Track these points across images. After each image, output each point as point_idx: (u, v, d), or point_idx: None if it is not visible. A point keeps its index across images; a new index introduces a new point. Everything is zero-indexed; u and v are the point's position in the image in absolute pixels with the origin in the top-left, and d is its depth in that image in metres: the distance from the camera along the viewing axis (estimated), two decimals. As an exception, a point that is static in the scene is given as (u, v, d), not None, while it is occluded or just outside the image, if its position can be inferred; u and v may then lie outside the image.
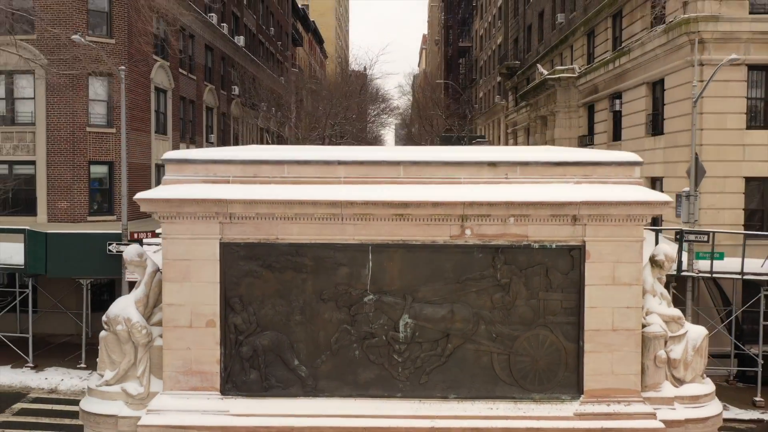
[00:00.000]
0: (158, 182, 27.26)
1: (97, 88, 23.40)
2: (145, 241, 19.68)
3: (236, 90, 40.15)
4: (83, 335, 20.39)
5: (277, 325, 11.26)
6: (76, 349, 21.53)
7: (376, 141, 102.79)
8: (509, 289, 10.97)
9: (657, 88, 25.25)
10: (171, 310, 11.04)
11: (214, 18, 34.28)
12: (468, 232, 10.78)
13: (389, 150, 13.47)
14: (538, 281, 10.93)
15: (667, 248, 11.70)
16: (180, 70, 29.75)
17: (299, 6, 74.46)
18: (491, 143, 67.23)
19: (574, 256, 10.84)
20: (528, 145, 45.64)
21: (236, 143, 41.35)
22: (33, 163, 23.31)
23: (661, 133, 24.35)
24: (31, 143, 23.18)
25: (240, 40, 40.46)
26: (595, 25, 32.23)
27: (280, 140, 53.42)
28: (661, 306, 11.54)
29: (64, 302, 22.26)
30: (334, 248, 11.02)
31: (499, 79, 60.14)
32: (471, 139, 70.02)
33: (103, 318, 11.76)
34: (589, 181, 10.93)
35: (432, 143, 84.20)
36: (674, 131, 23.04)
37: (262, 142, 48.37)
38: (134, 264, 11.82)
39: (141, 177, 25.28)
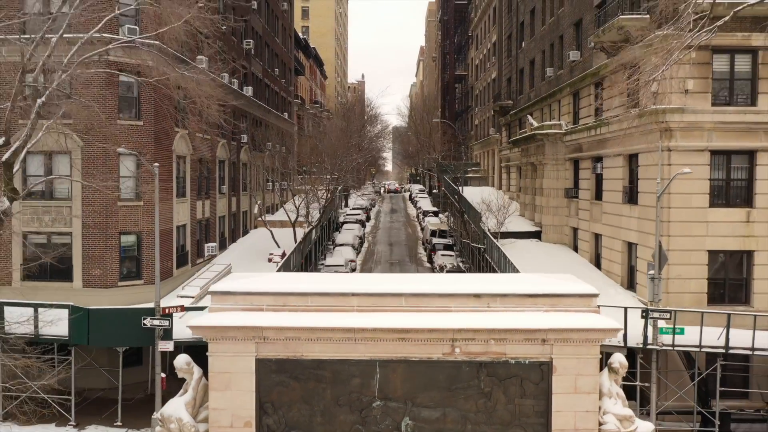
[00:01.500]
0: (179, 242, 29.81)
1: (128, 166, 25.98)
2: (176, 315, 22.21)
3: (245, 138, 42.70)
4: (119, 397, 22.89)
5: (302, 425, 13.80)
6: (110, 404, 23.98)
7: (375, 151, 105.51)
8: (491, 396, 13.53)
9: (633, 160, 27.82)
10: (215, 413, 13.56)
11: (225, 77, 36.83)
12: (457, 350, 13.34)
13: (393, 281, 16.02)
14: (514, 390, 13.49)
15: (622, 357, 14.29)
16: (197, 134, 32.29)
17: (301, 37, 77.07)
18: (486, 172, 69.74)
19: (544, 369, 13.38)
20: (520, 184, 48.13)
21: (244, 189, 43.89)
22: (69, 234, 25.84)
23: (636, 203, 26.94)
24: (67, 216, 25.71)
25: (248, 91, 42.99)
26: (579, 89, 34.81)
27: (284, 176, 55.87)
28: (616, 406, 14.10)
29: (97, 359, 24.74)
30: (348, 363, 13.56)
31: (493, 113, 62.64)
32: (467, 167, 72.70)
33: (158, 416, 14.32)
34: (555, 310, 13.49)
35: (430, 168, 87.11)
36: (647, 205, 25.61)
37: (267, 182, 50.86)
38: (183, 371, 14.44)
39: (165, 241, 27.76)
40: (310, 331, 13.18)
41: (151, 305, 22.45)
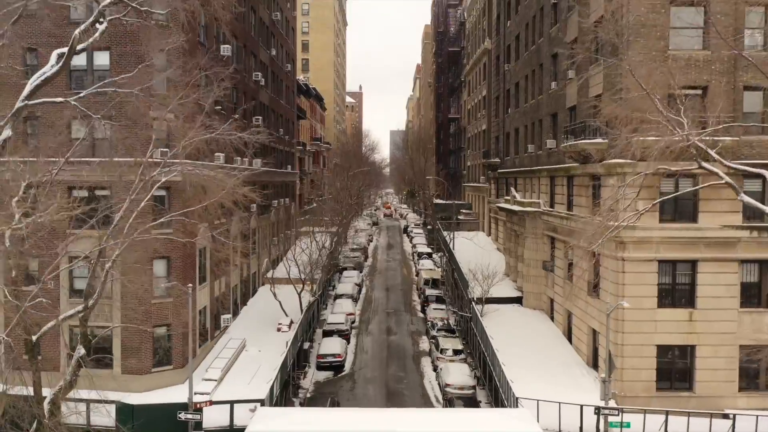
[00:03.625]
0: (201, 322, 33.81)
1: (160, 268, 30.13)
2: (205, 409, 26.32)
3: (254, 207, 46.82)
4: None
5: None
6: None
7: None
8: None
9: (597, 258, 32.02)
10: None
11: (237, 161, 40.94)
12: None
13: (389, 421, 20.18)
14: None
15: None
16: (215, 221, 36.41)
17: (302, 83, 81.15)
18: (477, 215, 73.89)
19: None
20: (506, 245, 52.15)
21: (255, 249, 47.99)
22: (110, 327, 29.96)
23: (598, 296, 31.17)
24: (108, 313, 29.82)
25: (257, 163, 47.08)
26: (555, 176, 38.99)
27: (288, 219, 60.00)
28: None
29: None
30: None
31: (482, 166, 66.75)
32: (459, 208, 76.92)
33: None
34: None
35: (425, 203, 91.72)
36: (607, 301, 29.84)
37: (272, 236, 54.99)
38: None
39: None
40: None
41: (180, 389, 26.64)
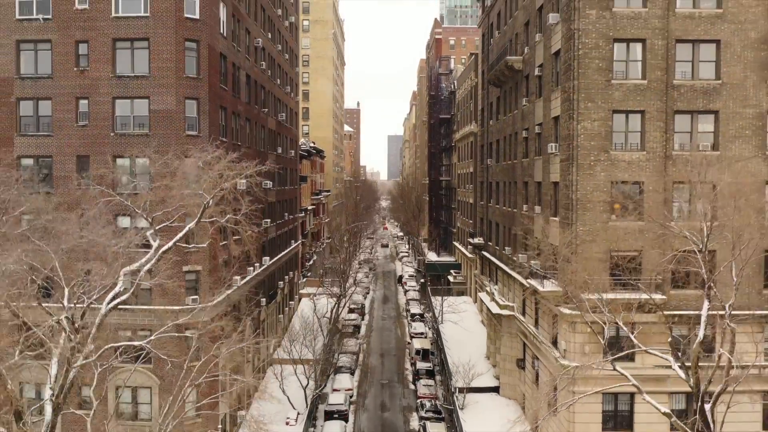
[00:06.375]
0: (223, 428, 39.84)
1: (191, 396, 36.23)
2: None
3: (263, 301, 52.88)
4: None
5: None
6: None
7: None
8: None
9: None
10: None
11: (251, 271, 47.02)
12: None
13: None
14: None
15: None
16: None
17: (303, 149, 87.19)
18: (465, 278, 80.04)
19: None
20: (488, 330, 58.20)
21: (264, 336, 54.07)
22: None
23: (555, 415, 37.27)
24: (150, 412, 35.92)
25: (266, 260, 53.20)
26: (525, 290, 45.10)
27: (291, 289, 65.87)
28: None
29: None
30: None
31: (468, 243, 72.81)
32: (450, 268, 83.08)
33: None
34: None
35: (419, 264, 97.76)
36: (562, 422, 35.97)
37: (278, 313, 61.00)
38: None
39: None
40: None
41: None
